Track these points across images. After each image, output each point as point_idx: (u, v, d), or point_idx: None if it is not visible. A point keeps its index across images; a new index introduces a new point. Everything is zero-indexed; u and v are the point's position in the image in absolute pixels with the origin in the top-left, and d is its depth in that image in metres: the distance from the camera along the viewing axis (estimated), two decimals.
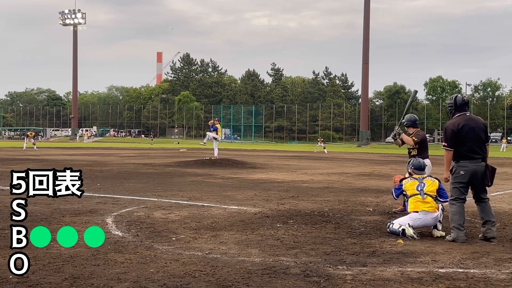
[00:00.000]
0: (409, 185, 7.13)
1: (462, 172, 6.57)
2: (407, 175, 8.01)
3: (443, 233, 6.82)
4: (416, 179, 7.19)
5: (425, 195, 6.92)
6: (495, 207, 9.71)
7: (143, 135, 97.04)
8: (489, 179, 6.62)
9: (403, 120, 8.96)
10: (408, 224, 6.70)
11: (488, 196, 6.82)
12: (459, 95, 6.91)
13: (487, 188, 6.82)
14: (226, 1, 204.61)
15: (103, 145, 60.30)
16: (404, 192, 7.34)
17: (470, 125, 6.61)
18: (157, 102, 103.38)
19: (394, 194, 7.39)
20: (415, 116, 9.13)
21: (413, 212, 6.85)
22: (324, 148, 43.63)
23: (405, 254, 5.71)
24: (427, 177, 7.28)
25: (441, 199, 7.03)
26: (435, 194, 7.01)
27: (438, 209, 6.91)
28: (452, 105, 6.82)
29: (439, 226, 6.94)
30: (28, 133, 43.26)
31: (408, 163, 7.78)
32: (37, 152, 33.93)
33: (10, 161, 22.40)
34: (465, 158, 6.55)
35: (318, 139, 48.10)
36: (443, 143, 6.75)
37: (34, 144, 40.21)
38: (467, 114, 6.75)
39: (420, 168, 7.41)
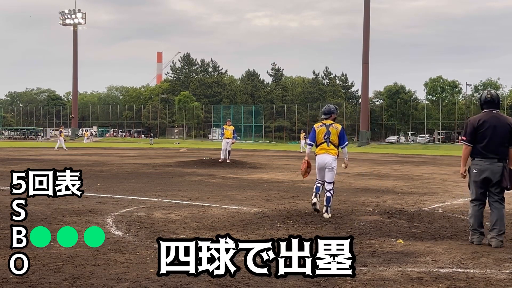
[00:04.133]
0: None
1: (474, 171, 6.37)
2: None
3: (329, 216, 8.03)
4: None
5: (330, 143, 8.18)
6: None
7: (143, 135, 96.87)
8: (508, 180, 6.28)
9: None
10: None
11: (504, 204, 6.41)
12: (485, 92, 6.61)
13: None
14: (227, 1, 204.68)
15: (103, 145, 60.27)
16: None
17: (492, 123, 6.30)
18: (157, 102, 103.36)
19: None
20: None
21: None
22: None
23: (405, 254, 5.71)
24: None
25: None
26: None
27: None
28: (479, 101, 6.67)
29: (329, 210, 8.12)
30: (61, 128, 41.04)
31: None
32: (37, 152, 33.91)
33: (10, 161, 22.40)
34: (480, 156, 6.33)
35: (302, 135, 42.47)
36: (462, 137, 6.56)
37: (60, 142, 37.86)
38: (493, 111, 6.41)
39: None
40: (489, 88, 7.14)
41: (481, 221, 6.40)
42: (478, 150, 6.37)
